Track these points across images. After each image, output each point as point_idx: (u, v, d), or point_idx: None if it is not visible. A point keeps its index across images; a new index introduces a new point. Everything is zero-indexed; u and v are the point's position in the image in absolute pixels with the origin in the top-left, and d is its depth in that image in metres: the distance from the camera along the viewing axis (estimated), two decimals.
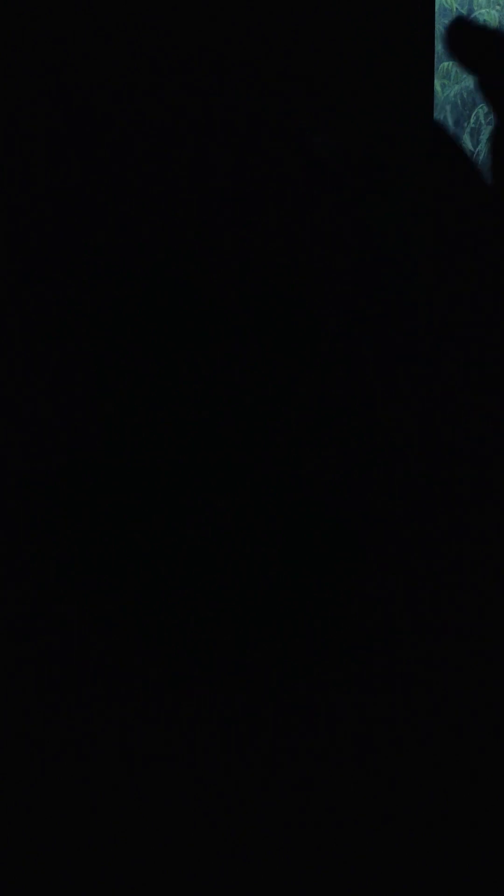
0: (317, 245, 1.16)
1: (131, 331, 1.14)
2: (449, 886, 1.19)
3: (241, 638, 1.11)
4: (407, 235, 1.18)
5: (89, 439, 1.17)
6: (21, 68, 1.27)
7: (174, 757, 1.14)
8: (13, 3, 1.29)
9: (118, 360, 1.16)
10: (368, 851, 1.15)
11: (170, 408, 1.14)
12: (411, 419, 1.08)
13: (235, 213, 1.15)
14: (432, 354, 1.11)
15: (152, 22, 1.33)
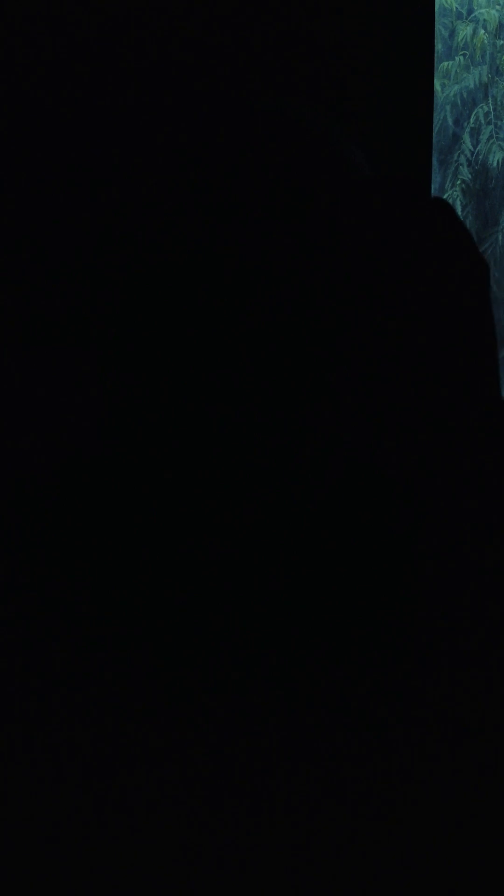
0: (316, 245, 1.15)
1: (134, 334, 1.14)
2: (450, 887, 1.18)
3: (244, 646, 1.11)
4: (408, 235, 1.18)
5: (93, 442, 1.17)
6: (14, 65, 1.27)
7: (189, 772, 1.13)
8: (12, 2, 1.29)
9: (121, 362, 1.15)
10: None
11: (173, 410, 1.14)
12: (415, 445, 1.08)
13: (235, 212, 1.14)
14: (435, 362, 1.10)
15: (150, 22, 1.33)
